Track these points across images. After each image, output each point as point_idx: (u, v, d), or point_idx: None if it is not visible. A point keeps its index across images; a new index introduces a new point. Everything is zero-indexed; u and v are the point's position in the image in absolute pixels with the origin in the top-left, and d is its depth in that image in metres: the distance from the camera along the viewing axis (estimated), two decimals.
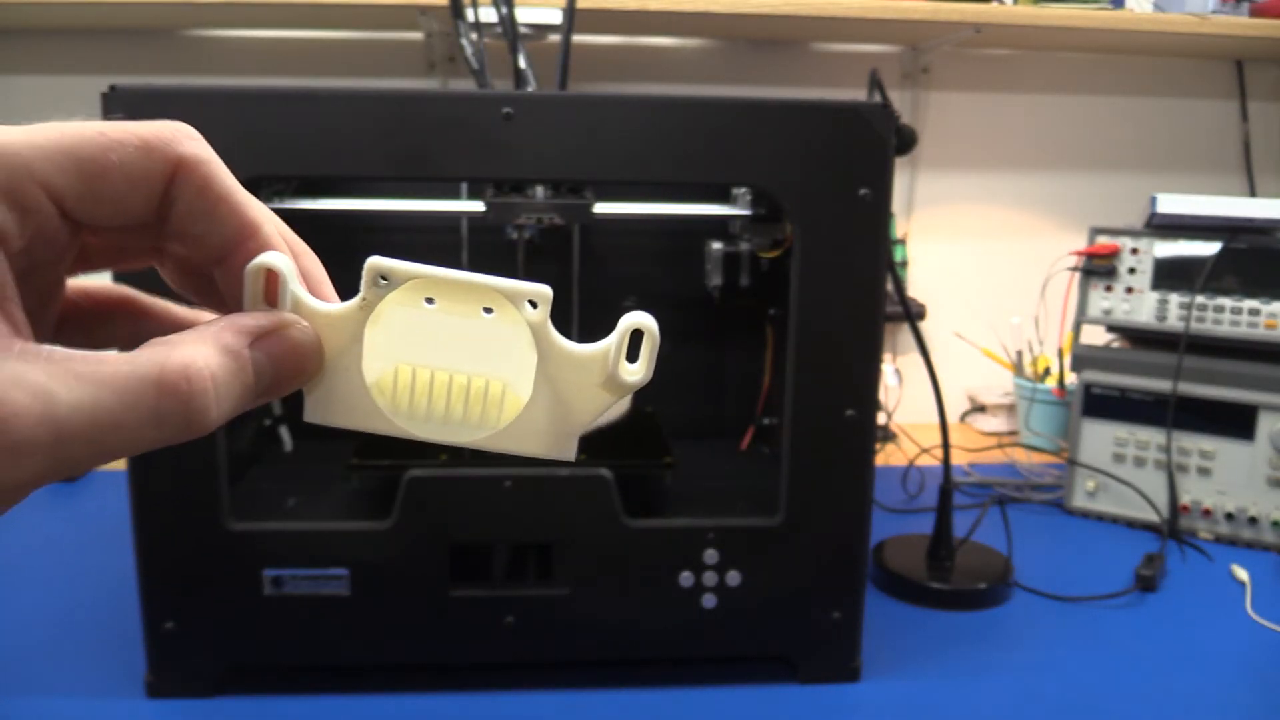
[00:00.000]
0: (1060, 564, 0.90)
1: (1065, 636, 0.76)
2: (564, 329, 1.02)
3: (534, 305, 0.26)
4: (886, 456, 1.25)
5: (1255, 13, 1.29)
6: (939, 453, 0.86)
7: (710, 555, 0.66)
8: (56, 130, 0.23)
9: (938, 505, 0.86)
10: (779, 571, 0.67)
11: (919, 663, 0.72)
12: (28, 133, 0.23)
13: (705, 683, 0.68)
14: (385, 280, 0.25)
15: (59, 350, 0.21)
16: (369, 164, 0.60)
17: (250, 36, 1.33)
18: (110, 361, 0.21)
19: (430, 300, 0.26)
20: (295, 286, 0.25)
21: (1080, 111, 1.46)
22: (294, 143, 0.58)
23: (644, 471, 0.74)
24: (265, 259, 0.24)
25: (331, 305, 0.25)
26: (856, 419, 0.65)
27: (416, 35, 1.32)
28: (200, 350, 0.22)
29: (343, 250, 0.86)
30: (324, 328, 0.25)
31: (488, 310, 0.26)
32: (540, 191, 0.71)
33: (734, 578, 0.66)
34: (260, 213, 0.26)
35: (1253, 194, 1.48)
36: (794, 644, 0.68)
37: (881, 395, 1.14)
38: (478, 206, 0.71)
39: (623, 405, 0.28)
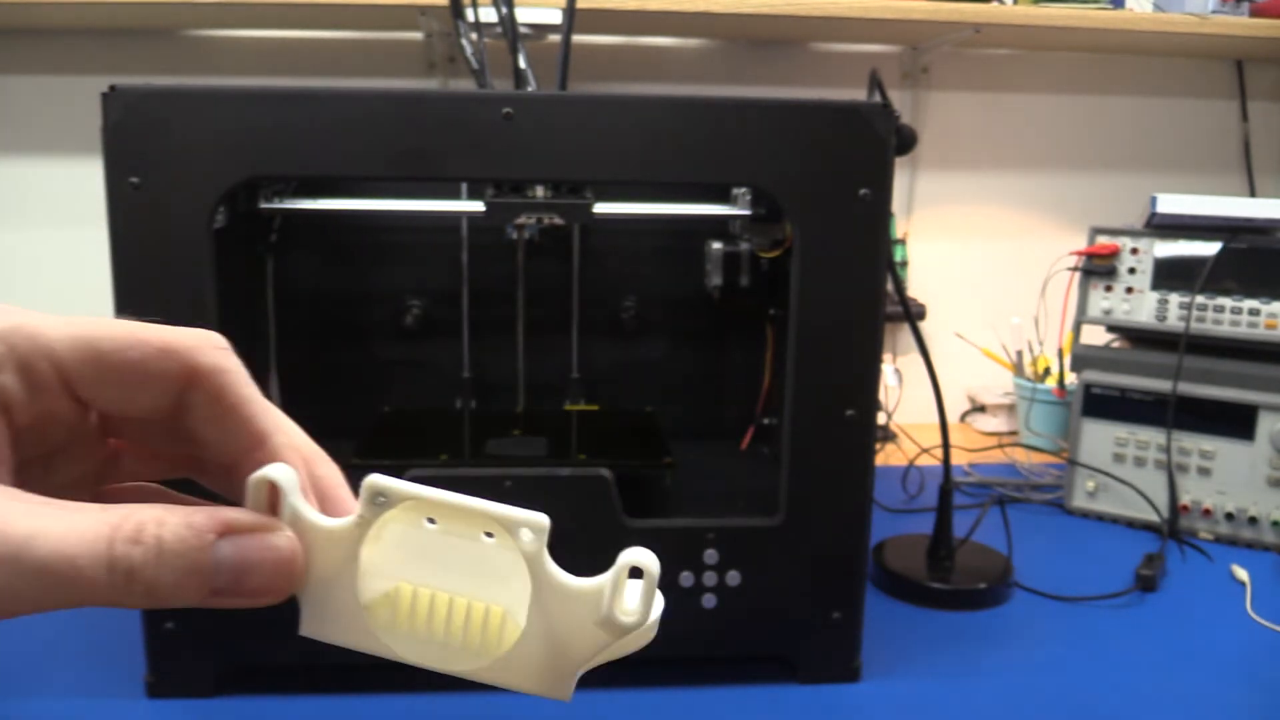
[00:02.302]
0: (1060, 564, 0.90)
1: (1065, 636, 0.76)
2: (564, 328, 1.01)
3: (528, 536, 0.25)
4: (886, 456, 1.24)
5: (1255, 13, 1.29)
6: (939, 453, 0.86)
7: (710, 555, 0.66)
8: (85, 321, 0.24)
9: (938, 505, 0.86)
10: (779, 571, 0.67)
11: (919, 663, 0.72)
12: (57, 319, 0.24)
13: (705, 683, 0.68)
14: (383, 499, 0.25)
15: (39, 497, 0.22)
16: (369, 164, 0.60)
17: (250, 36, 1.33)
18: (84, 507, 0.22)
19: (431, 520, 0.25)
20: (295, 500, 0.25)
21: (1080, 111, 1.46)
22: (294, 143, 0.58)
23: (644, 471, 0.74)
24: (265, 471, 0.24)
25: (330, 521, 0.25)
26: (856, 419, 0.65)
27: (416, 35, 1.32)
28: (165, 516, 0.22)
29: (343, 250, 0.87)
30: (320, 542, 0.25)
31: (489, 534, 0.25)
32: (540, 191, 0.71)
33: (734, 578, 0.66)
34: (273, 423, 0.26)
35: (1253, 194, 1.48)
36: (794, 644, 0.68)
37: (881, 395, 1.14)
38: (478, 206, 0.71)
39: (640, 639, 0.27)
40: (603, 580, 0.26)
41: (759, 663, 0.70)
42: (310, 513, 0.25)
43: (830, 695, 0.67)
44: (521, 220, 0.70)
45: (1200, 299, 0.98)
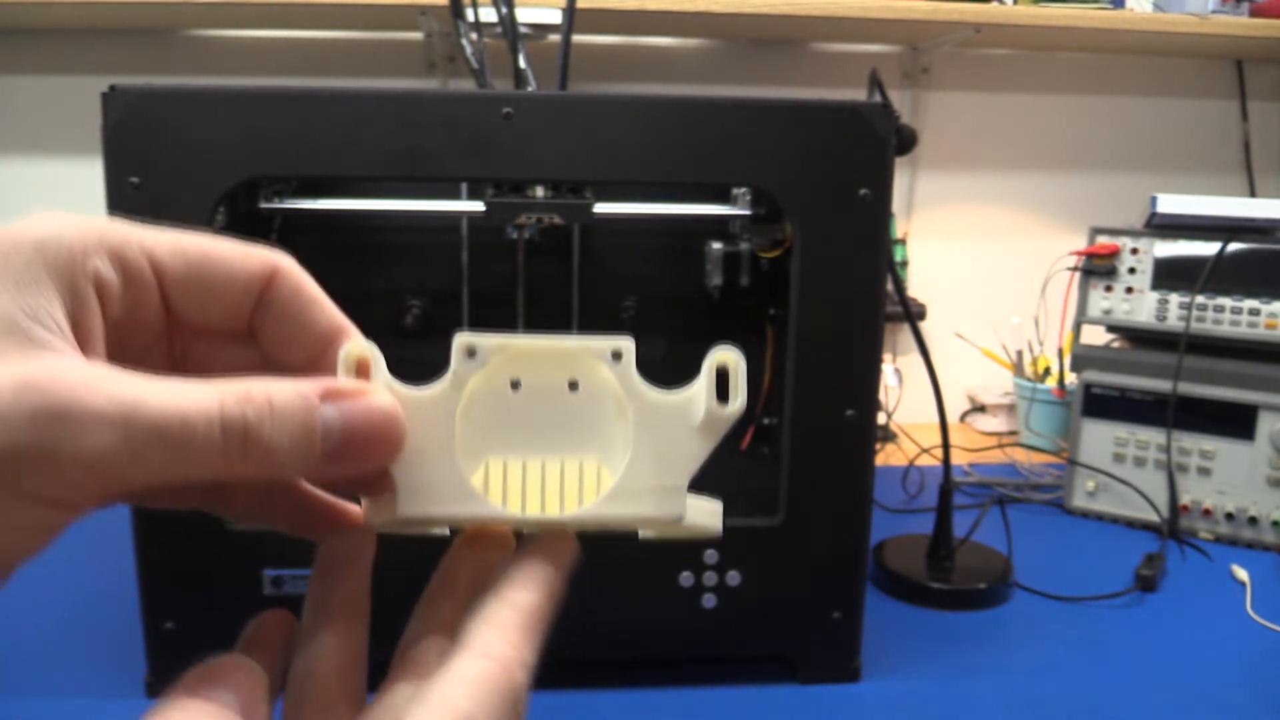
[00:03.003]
0: (1060, 564, 0.90)
1: (1065, 636, 0.76)
2: (564, 328, 1.01)
3: (617, 358, 0.26)
4: (886, 456, 1.25)
5: (1255, 13, 1.29)
6: (939, 453, 0.86)
7: (710, 555, 0.66)
8: (169, 229, 0.25)
9: (938, 505, 0.86)
10: (779, 571, 0.67)
11: (919, 663, 0.72)
12: (145, 227, 0.25)
13: (705, 683, 0.68)
14: (474, 354, 0.26)
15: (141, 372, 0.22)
16: (369, 164, 0.60)
17: (250, 36, 1.33)
18: (188, 380, 0.22)
19: (516, 385, 0.26)
20: (386, 373, 0.25)
21: (1080, 111, 1.46)
22: (294, 143, 0.58)
23: None
24: (358, 343, 0.25)
25: (422, 388, 0.26)
26: (856, 419, 0.65)
27: (416, 35, 1.32)
28: (270, 383, 0.23)
29: (343, 250, 0.87)
30: (414, 412, 0.25)
31: (573, 387, 0.26)
32: (540, 191, 0.71)
33: (734, 578, 0.66)
34: (346, 319, 0.28)
35: (1253, 194, 1.48)
36: (794, 644, 0.68)
37: (881, 395, 1.14)
38: (478, 206, 0.71)
39: (713, 514, 0.28)
40: (696, 385, 0.26)
41: (759, 663, 0.70)
42: (400, 385, 0.26)
43: (830, 695, 0.67)
44: (521, 220, 0.70)
45: (1200, 299, 0.98)
